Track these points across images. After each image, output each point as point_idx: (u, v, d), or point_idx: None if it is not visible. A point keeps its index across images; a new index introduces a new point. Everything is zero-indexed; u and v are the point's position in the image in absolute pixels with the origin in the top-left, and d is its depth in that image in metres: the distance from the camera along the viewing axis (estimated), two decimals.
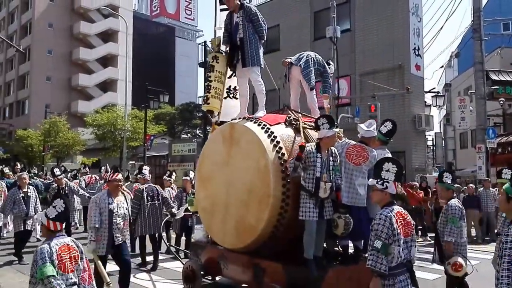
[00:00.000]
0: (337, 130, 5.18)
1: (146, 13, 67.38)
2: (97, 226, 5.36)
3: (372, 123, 5.33)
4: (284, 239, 5.16)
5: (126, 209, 5.75)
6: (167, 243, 8.49)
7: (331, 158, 4.90)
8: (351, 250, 5.37)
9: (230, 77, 6.32)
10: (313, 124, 5.30)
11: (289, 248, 5.17)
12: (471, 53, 13.63)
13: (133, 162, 25.56)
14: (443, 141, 26.72)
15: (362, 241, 5.19)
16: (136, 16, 50.56)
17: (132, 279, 6.04)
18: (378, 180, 3.55)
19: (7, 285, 6.65)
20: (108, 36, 48.10)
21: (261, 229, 5.01)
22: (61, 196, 9.17)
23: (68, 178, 12.90)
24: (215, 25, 7.13)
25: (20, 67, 46.20)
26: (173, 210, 7.93)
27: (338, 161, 5.01)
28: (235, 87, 6.46)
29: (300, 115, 6.00)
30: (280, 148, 5.12)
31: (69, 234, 9.29)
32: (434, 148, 28.54)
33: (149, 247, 7.95)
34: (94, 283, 3.72)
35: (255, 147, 5.17)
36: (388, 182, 3.52)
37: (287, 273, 4.82)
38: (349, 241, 5.25)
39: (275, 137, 5.19)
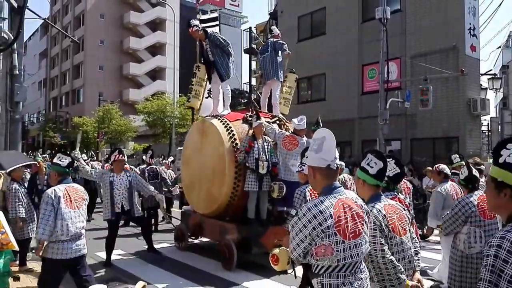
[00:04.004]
0: (262, 121, 6.82)
1: (192, 1, 68.07)
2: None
3: (303, 119, 6.71)
4: (238, 206, 6.97)
5: (127, 181, 6.86)
6: (165, 213, 9.75)
7: (265, 143, 6.69)
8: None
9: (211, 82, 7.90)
10: (270, 119, 7.36)
11: (241, 212, 6.95)
12: None
13: (181, 148, 26.25)
14: (500, 126, 25.43)
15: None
16: (182, 4, 51.14)
17: (136, 240, 7.80)
18: (299, 164, 4.62)
19: None
20: (156, 25, 49.18)
21: (221, 199, 6.88)
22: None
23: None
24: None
25: (75, 57, 48.27)
26: (170, 187, 9.89)
27: (271, 145, 6.76)
28: None
29: (259, 112, 7.45)
30: (235, 139, 6.88)
31: (93, 206, 11.40)
32: (490, 133, 27.15)
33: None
34: None
35: (216, 138, 6.97)
36: (305, 165, 4.30)
37: (239, 230, 6.67)
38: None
39: (232, 131, 6.96)
